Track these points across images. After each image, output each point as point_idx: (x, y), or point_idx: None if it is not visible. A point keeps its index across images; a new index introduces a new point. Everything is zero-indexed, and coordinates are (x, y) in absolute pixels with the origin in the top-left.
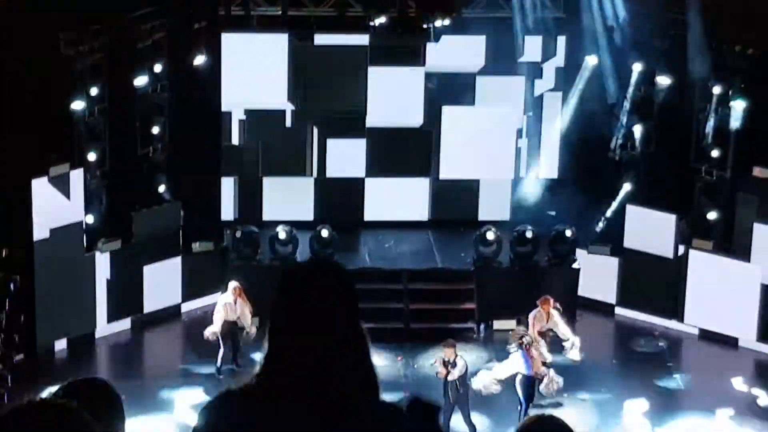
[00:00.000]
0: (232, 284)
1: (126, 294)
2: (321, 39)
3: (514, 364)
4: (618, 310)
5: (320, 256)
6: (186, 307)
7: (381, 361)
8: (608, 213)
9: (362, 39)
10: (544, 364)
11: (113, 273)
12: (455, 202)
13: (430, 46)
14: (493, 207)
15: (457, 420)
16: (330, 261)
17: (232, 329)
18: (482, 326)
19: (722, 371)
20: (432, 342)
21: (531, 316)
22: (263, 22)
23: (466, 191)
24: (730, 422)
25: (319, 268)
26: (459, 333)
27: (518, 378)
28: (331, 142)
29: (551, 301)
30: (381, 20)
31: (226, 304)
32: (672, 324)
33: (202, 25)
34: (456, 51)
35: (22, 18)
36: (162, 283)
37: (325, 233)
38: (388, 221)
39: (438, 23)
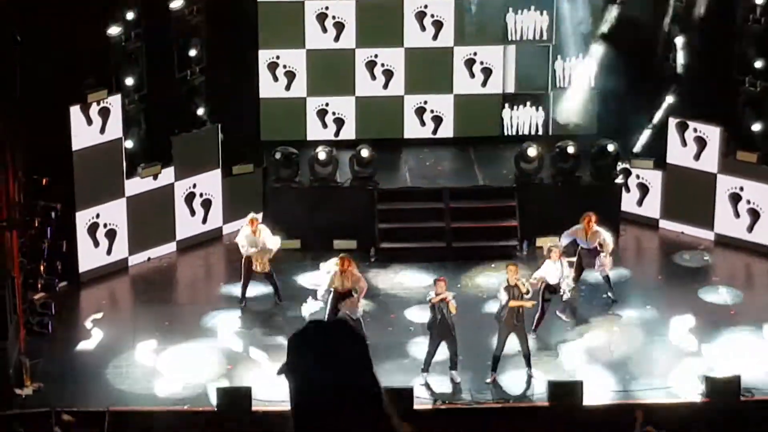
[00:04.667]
0: (250, 216)
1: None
2: None
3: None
4: (662, 224)
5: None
6: (227, 229)
7: (423, 280)
8: (651, 126)
9: None
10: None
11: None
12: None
13: None
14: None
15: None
16: (338, 320)
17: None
18: (525, 243)
19: (761, 281)
20: (474, 261)
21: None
22: None
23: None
24: None
25: (331, 327)
26: (502, 251)
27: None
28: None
29: (592, 217)
30: None
31: (247, 236)
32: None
33: None
34: None
35: None
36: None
37: (365, 153)
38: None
39: None
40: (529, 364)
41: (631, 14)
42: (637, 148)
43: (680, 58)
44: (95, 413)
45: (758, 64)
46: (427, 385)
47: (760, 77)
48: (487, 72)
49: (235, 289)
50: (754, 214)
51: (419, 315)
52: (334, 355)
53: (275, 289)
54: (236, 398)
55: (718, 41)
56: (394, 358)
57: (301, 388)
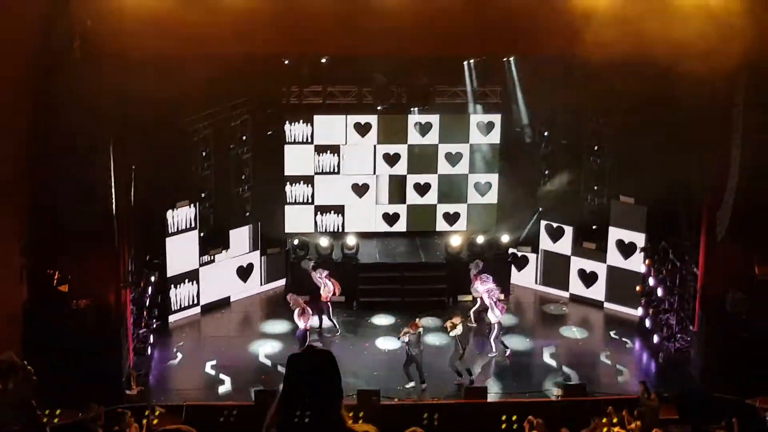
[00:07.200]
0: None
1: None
2: (351, 119)
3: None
4: (537, 287)
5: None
6: (264, 288)
7: (388, 321)
8: (529, 225)
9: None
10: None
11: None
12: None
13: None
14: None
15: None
16: (320, 349)
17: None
18: (450, 299)
19: (597, 324)
20: (419, 309)
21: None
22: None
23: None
24: (607, 360)
25: (314, 354)
26: (436, 303)
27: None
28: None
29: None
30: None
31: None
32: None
33: (271, 111)
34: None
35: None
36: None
37: (350, 241)
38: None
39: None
40: (459, 374)
41: (521, 152)
42: (521, 238)
43: (546, 178)
44: (178, 406)
45: (595, 187)
46: (392, 389)
47: (597, 196)
48: (426, 188)
49: (269, 327)
50: (592, 280)
51: (385, 344)
52: (315, 368)
53: (326, 322)
54: (266, 398)
55: (568, 172)
56: (364, 371)
57: (289, 388)
